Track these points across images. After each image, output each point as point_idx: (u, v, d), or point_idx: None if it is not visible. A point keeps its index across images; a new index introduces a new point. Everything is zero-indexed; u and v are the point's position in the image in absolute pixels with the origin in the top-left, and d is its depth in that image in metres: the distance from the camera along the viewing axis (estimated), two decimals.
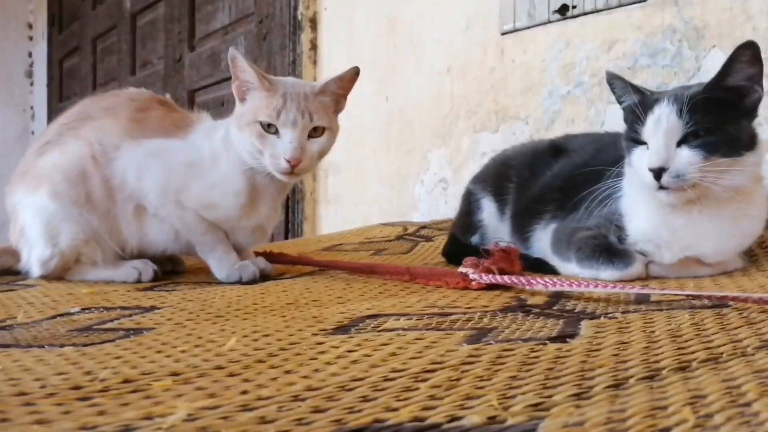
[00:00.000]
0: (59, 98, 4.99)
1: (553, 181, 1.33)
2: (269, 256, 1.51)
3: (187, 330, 0.82)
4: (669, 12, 1.66)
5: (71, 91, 4.79)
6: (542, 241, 1.29)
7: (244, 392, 0.53)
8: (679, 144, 1.06)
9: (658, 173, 1.05)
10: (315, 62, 2.78)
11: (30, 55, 5.54)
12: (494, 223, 1.42)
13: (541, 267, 1.25)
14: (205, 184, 1.34)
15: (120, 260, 1.39)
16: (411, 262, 1.60)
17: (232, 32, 3.21)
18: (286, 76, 2.80)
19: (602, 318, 0.79)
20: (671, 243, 1.12)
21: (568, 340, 0.68)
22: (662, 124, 1.06)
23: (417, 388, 0.53)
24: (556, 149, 1.42)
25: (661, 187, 1.06)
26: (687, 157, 1.04)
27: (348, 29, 2.64)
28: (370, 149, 2.53)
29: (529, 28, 1.97)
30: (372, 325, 0.80)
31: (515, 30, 2.01)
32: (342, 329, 0.79)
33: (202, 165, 1.35)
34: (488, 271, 1.06)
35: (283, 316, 0.89)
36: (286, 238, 2.76)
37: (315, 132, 1.30)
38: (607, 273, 1.13)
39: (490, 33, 2.09)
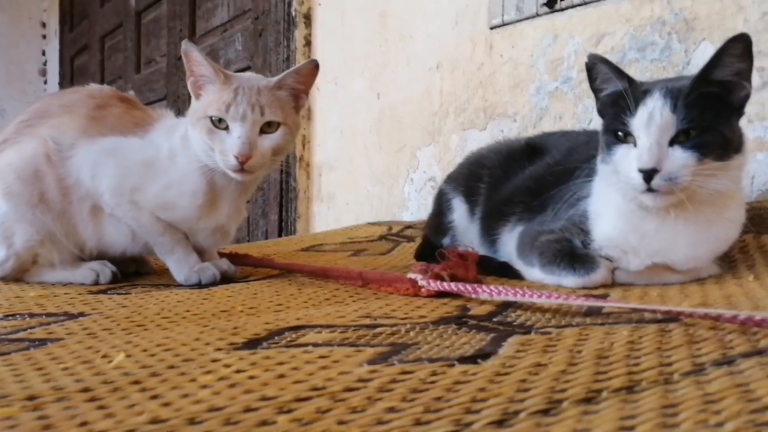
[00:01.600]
0: None
1: (522, 182, 1.26)
2: (233, 258, 1.47)
3: (95, 341, 0.77)
4: (658, 3, 1.57)
5: None
6: (508, 244, 1.22)
7: (83, 424, 0.48)
8: (670, 143, 0.97)
9: (649, 174, 0.96)
10: (309, 58, 2.72)
11: (43, 53, 5.57)
12: (464, 224, 1.36)
13: (506, 272, 1.19)
14: (161, 183, 1.29)
15: (79, 262, 1.35)
16: (389, 263, 1.54)
17: (230, 29, 3.17)
18: (281, 72, 2.76)
19: (533, 333, 0.72)
20: (638, 249, 1.05)
21: (479, 361, 0.62)
22: (655, 120, 0.97)
23: (274, 422, 0.47)
24: (531, 148, 1.35)
25: (650, 189, 0.97)
26: (681, 159, 0.96)
27: (341, 25, 2.58)
28: (362, 147, 2.48)
29: (517, 21, 1.90)
30: (287, 340, 0.75)
31: (504, 24, 1.94)
32: (252, 343, 0.73)
33: (159, 164, 1.30)
34: (438, 277, 0.99)
35: (206, 326, 0.83)
36: (280, 236, 2.71)
37: (269, 128, 1.25)
38: (569, 279, 1.06)
39: (480, 27, 2.02)
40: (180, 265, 1.32)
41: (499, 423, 0.46)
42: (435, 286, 0.97)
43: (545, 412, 0.49)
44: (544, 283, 1.10)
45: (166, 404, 0.52)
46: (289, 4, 2.72)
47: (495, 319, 0.83)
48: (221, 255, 1.47)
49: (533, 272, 1.13)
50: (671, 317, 0.76)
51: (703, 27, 1.49)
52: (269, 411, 0.50)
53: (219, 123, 1.22)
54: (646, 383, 0.54)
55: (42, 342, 0.78)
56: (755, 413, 0.44)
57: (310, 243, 1.90)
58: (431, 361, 0.63)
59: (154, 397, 0.55)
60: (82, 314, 0.96)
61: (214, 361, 0.66)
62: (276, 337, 0.76)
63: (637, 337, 0.69)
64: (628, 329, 0.72)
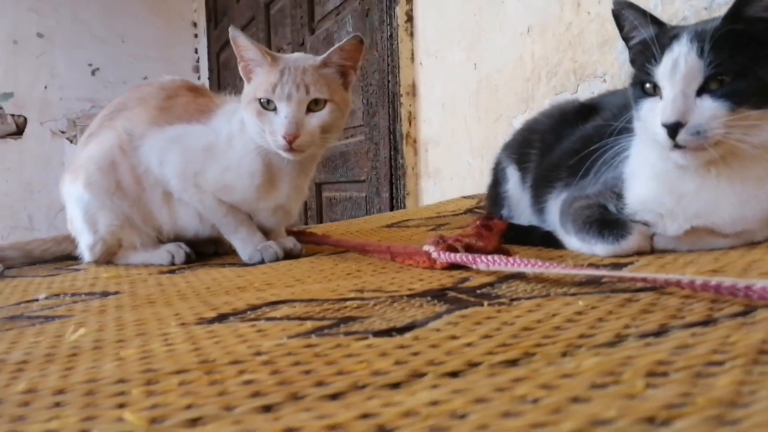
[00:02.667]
0: (218, 89, 5.36)
1: (570, 145, 1.18)
2: (301, 236, 1.51)
3: (99, 318, 0.84)
4: None
5: (226, 82, 5.12)
6: (553, 212, 1.15)
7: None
8: (699, 92, 0.87)
9: (673, 129, 0.87)
10: (412, 34, 2.71)
11: (196, 51, 5.99)
12: (518, 193, 1.30)
13: (551, 242, 1.12)
14: (221, 166, 1.36)
15: (159, 244, 1.46)
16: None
17: (342, 12, 3.23)
18: (385, 51, 2.78)
19: (485, 305, 0.69)
20: (676, 212, 0.95)
21: (393, 334, 0.60)
22: (680, 67, 0.87)
23: (127, 393, 0.50)
24: (587, 109, 1.26)
25: (677, 146, 0.88)
26: (710, 109, 0.86)
27: None
28: (462, 120, 2.44)
29: None
30: (256, 314, 0.77)
31: None
32: (221, 318, 0.76)
33: (218, 148, 1.37)
34: (451, 248, 0.97)
35: (203, 302, 0.88)
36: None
37: (316, 105, 1.27)
38: (599, 247, 0.98)
39: None
40: (245, 244, 1.39)
41: (333, 396, 0.45)
42: (444, 257, 0.95)
43: (395, 385, 0.47)
44: (582, 252, 1.03)
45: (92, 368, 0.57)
46: None
47: (480, 291, 0.80)
48: (289, 233, 1.53)
49: (571, 241, 1.06)
50: (659, 286, 0.69)
51: None
52: (160, 376, 0.52)
53: (267, 104, 1.26)
54: (539, 356, 0.50)
55: (51, 319, 0.86)
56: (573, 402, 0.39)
57: (397, 219, 1.91)
58: (350, 334, 0.62)
59: (69, 369, 0.59)
60: (117, 293, 1.04)
61: (165, 333, 0.69)
62: (249, 312, 0.79)
63: (589, 308, 0.63)
64: (594, 299, 0.67)
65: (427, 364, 0.50)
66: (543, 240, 1.14)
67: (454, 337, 0.57)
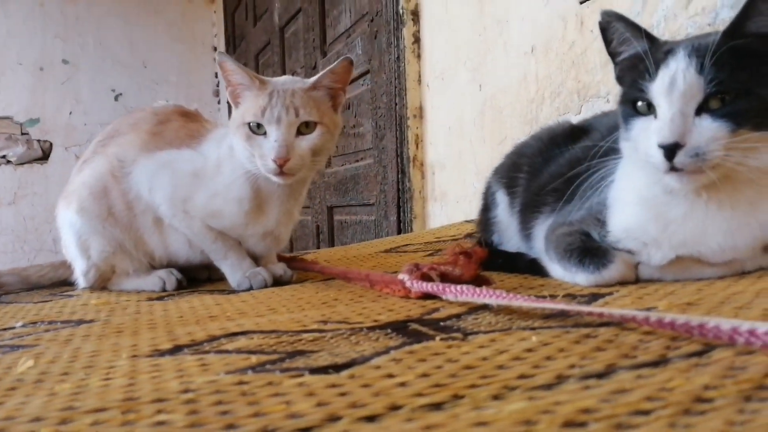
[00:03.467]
0: None
1: (559, 169, 1.14)
2: (291, 262, 1.49)
3: (59, 349, 0.82)
4: None
5: None
6: (539, 238, 1.11)
7: None
8: (698, 111, 0.82)
9: (671, 151, 0.81)
10: (419, 56, 2.70)
11: (216, 75, 6.06)
12: (506, 219, 1.26)
13: (537, 270, 1.09)
14: (209, 192, 1.35)
15: (152, 270, 1.45)
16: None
17: (353, 34, 3.24)
18: (392, 73, 2.77)
19: (437, 340, 0.66)
20: (660, 240, 0.90)
21: (330, 371, 0.57)
22: (678, 84, 0.81)
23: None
24: (578, 131, 1.22)
25: (673, 169, 0.82)
26: (710, 130, 0.80)
27: (445, 18, 2.53)
28: (467, 142, 2.41)
29: None
30: (211, 346, 0.75)
31: None
32: (176, 349, 0.74)
33: (207, 173, 1.36)
34: (425, 277, 0.93)
35: (168, 332, 0.86)
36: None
37: (306, 128, 1.25)
38: (580, 276, 0.95)
39: (570, 3, 1.88)
40: (234, 270, 1.37)
41: None
42: (417, 286, 0.92)
43: (305, 430, 0.44)
44: (565, 280, 1.00)
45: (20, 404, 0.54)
46: (397, 2, 2.72)
47: (444, 323, 0.76)
48: (281, 259, 1.51)
49: (555, 269, 1.02)
50: (620, 321, 0.65)
51: None
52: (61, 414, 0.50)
53: (257, 129, 1.24)
54: (468, 399, 0.47)
55: (15, 348, 0.84)
56: None
57: (397, 244, 1.89)
58: (288, 371, 0.59)
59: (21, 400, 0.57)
60: (92, 321, 1.02)
61: (111, 367, 0.67)
62: (205, 344, 0.76)
63: (541, 345, 0.59)
64: (550, 335, 0.63)
65: (348, 406, 0.47)
66: (529, 267, 1.11)
67: (390, 376, 0.54)
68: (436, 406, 0.46)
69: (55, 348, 0.82)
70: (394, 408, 0.46)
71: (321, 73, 1.30)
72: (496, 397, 0.46)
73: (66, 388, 0.60)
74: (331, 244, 3.44)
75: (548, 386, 0.48)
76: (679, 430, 0.36)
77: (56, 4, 5.48)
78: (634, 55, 0.90)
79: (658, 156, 0.83)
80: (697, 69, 0.81)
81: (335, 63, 1.30)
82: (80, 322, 1.04)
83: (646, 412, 0.39)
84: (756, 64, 0.82)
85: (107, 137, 1.49)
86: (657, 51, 0.87)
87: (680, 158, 0.81)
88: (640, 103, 0.88)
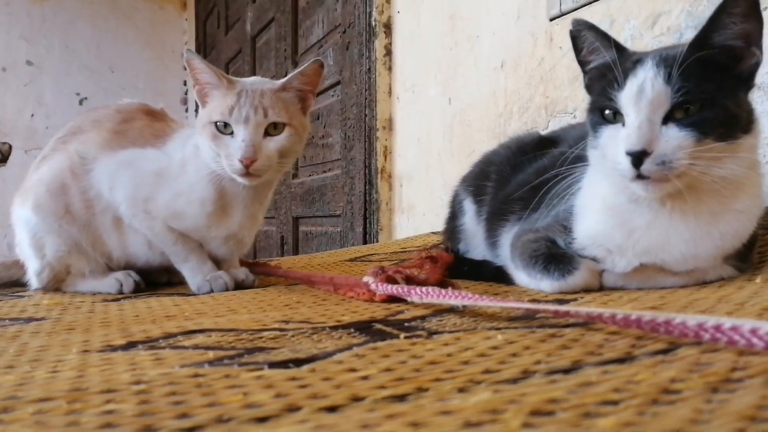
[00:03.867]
0: None
1: (526, 178, 1.14)
2: (253, 266, 1.47)
3: (5, 344, 0.78)
4: None
5: None
6: (505, 246, 1.11)
7: None
8: (665, 120, 0.82)
9: (638, 158, 0.82)
10: (390, 68, 2.71)
11: (185, 83, 6.00)
12: (473, 227, 1.26)
13: (502, 277, 1.08)
14: (171, 192, 1.31)
15: (109, 272, 1.41)
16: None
17: (324, 45, 3.23)
18: (363, 84, 2.76)
19: (401, 338, 0.64)
20: (625, 248, 0.90)
21: (290, 365, 0.56)
22: (646, 93, 0.82)
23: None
24: (547, 142, 1.23)
25: (639, 176, 0.83)
26: (676, 139, 0.81)
27: (417, 32, 2.54)
28: (436, 155, 2.41)
29: (575, 9, 1.76)
30: (167, 342, 0.72)
31: (562, 14, 1.80)
32: (129, 345, 0.71)
33: (170, 173, 1.32)
34: (390, 280, 0.92)
35: (122, 330, 0.83)
36: None
37: (274, 129, 1.23)
38: (545, 283, 0.94)
39: (540, 20, 1.90)
40: (194, 273, 1.34)
41: (190, 429, 0.40)
42: (381, 289, 0.90)
43: (262, 419, 0.42)
44: (529, 287, 0.99)
45: None
46: (370, 14, 2.72)
47: (408, 324, 0.75)
48: (243, 264, 1.48)
49: (520, 276, 1.02)
50: (586, 321, 0.64)
51: None
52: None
53: (224, 128, 1.22)
54: (432, 391, 0.45)
55: None
56: None
57: (362, 253, 1.87)
58: (246, 365, 0.57)
59: None
60: (43, 319, 0.98)
61: (59, 360, 0.64)
62: (161, 340, 0.74)
63: (506, 343, 0.58)
64: (515, 334, 0.62)
65: (308, 397, 0.45)
66: (495, 275, 1.10)
67: (352, 370, 0.53)
68: (400, 398, 0.44)
69: (1, 343, 0.79)
70: (356, 399, 0.44)
71: (291, 74, 1.29)
72: (461, 390, 0.45)
73: (9, 380, 0.57)
74: (296, 254, 3.41)
75: (514, 380, 0.47)
76: (648, 418, 0.35)
77: (22, 5, 5.37)
78: (603, 64, 0.91)
79: (626, 163, 0.83)
80: (665, 78, 0.82)
81: (305, 65, 1.28)
82: (30, 319, 1.00)
83: (614, 402, 0.38)
84: (720, 75, 0.83)
85: (68, 134, 1.45)
86: (626, 61, 0.88)
87: (647, 166, 0.82)
88: (608, 112, 0.88)
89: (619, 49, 0.91)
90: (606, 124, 0.89)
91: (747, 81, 0.86)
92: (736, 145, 0.83)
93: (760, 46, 0.84)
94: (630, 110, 0.84)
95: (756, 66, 0.85)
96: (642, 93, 0.83)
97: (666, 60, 0.84)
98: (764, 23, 0.85)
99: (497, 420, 0.37)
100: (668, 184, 0.83)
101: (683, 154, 0.81)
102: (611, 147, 0.87)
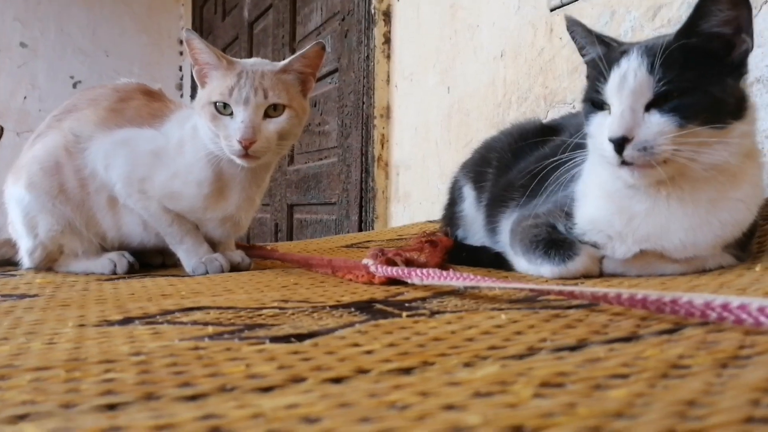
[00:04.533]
0: None
1: (527, 165, 1.14)
2: (249, 249, 1.46)
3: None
4: None
5: None
6: (505, 233, 1.10)
7: None
8: (648, 108, 0.83)
9: (620, 144, 0.83)
10: (388, 56, 2.69)
11: (180, 68, 5.96)
12: (472, 213, 1.25)
13: (501, 263, 1.08)
14: (168, 172, 1.30)
15: (102, 252, 1.39)
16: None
17: (323, 32, 3.22)
18: (361, 72, 2.75)
19: (404, 317, 0.64)
20: (625, 234, 0.90)
21: (292, 340, 0.55)
22: (628, 82, 0.84)
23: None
24: (548, 129, 1.23)
25: (624, 163, 0.84)
26: (657, 125, 0.82)
27: (416, 20, 2.53)
28: (433, 144, 2.40)
29: (574, 1, 1.75)
30: (165, 318, 0.71)
31: (562, 5, 1.79)
32: (126, 321, 0.70)
33: (167, 153, 1.31)
34: (390, 262, 0.91)
35: (118, 307, 0.82)
36: None
37: (274, 111, 1.22)
38: (545, 268, 0.94)
39: (540, 10, 1.89)
40: (189, 255, 1.32)
41: (192, 398, 0.40)
42: (381, 271, 0.90)
43: (267, 389, 0.41)
44: (529, 273, 0.99)
45: None
46: (369, 2, 2.71)
47: (409, 305, 0.74)
48: (239, 247, 1.47)
49: (519, 262, 1.01)
50: (591, 303, 0.64)
51: None
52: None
53: (224, 109, 1.21)
54: (438, 365, 0.45)
55: None
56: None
57: (358, 240, 1.86)
58: (246, 339, 0.56)
59: None
60: (36, 295, 0.97)
61: (56, 333, 0.64)
62: (158, 316, 0.73)
63: (510, 322, 0.58)
64: (519, 314, 0.62)
65: (312, 369, 0.45)
66: (493, 261, 1.10)
67: (356, 345, 0.52)
68: (406, 371, 0.44)
69: None
70: (362, 371, 0.44)
71: (292, 56, 1.27)
72: (467, 365, 0.44)
73: (5, 350, 0.56)
74: (291, 242, 3.40)
75: (520, 356, 0.46)
76: (660, 390, 0.35)
77: None
78: (595, 56, 0.92)
79: (610, 150, 0.84)
80: (648, 68, 0.83)
81: (307, 48, 1.27)
82: (23, 296, 0.99)
83: (624, 376, 0.38)
84: (706, 62, 0.83)
85: (64, 112, 1.43)
86: (613, 53, 0.90)
87: (629, 152, 0.83)
88: (597, 101, 0.89)
89: (605, 43, 0.93)
90: (596, 112, 0.90)
91: (738, 68, 0.85)
92: (726, 130, 0.83)
93: (749, 33, 0.84)
94: (614, 99, 0.86)
95: (746, 53, 0.85)
96: (624, 82, 0.85)
97: (650, 49, 0.85)
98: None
99: (507, 391, 0.36)
100: (654, 171, 0.84)
101: (664, 139, 0.81)
102: (599, 135, 0.88)
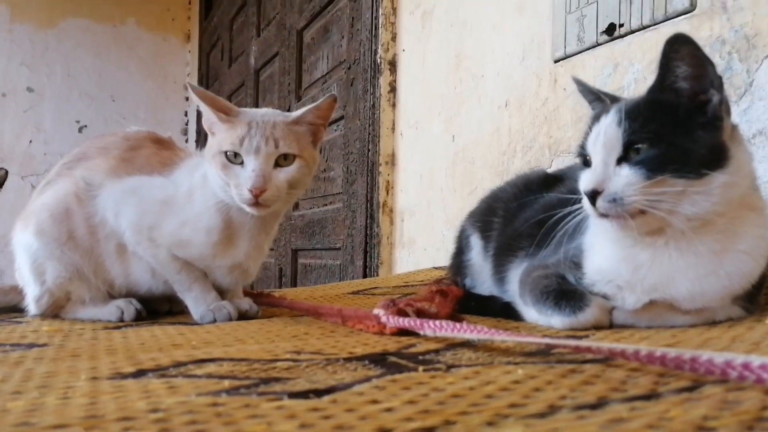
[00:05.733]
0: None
1: (534, 214, 1.14)
2: (257, 297, 1.46)
3: (10, 370, 0.77)
4: (718, 21, 1.41)
5: None
6: (513, 282, 1.11)
7: None
8: (620, 161, 0.86)
9: (592, 197, 0.86)
10: (394, 105, 2.73)
11: (186, 114, 6.04)
12: (480, 262, 1.26)
13: (510, 313, 1.08)
14: (177, 220, 1.31)
15: (110, 299, 1.39)
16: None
17: (329, 80, 3.27)
18: (367, 120, 2.79)
19: (420, 371, 0.63)
20: (633, 283, 0.91)
21: (310, 396, 0.55)
22: (600, 138, 0.88)
23: None
24: (553, 179, 1.24)
25: (603, 215, 0.87)
26: (626, 177, 0.84)
27: (422, 69, 2.57)
28: (438, 191, 2.42)
29: (579, 53, 1.78)
30: (178, 371, 0.71)
31: (566, 56, 1.83)
32: (140, 373, 0.70)
33: (177, 201, 1.32)
34: (401, 312, 0.91)
35: (129, 358, 0.82)
36: None
37: (284, 161, 1.23)
38: (556, 319, 0.94)
39: (544, 62, 1.93)
40: (197, 303, 1.32)
41: None
42: (393, 321, 0.89)
43: None
44: (539, 324, 0.99)
45: None
46: (375, 52, 2.76)
47: (423, 357, 0.74)
48: (247, 294, 1.47)
49: (529, 312, 1.01)
50: (606, 357, 0.64)
51: (766, 43, 1.32)
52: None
53: (234, 158, 1.22)
54: (460, 425, 0.45)
55: None
56: None
57: (365, 287, 1.86)
58: (264, 394, 0.56)
59: None
60: (45, 345, 0.97)
61: (69, 387, 0.63)
62: (171, 369, 0.73)
63: (528, 378, 0.58)
64: (536, 369, 0.61)
65: (334, 428, 0.45)
66: (502, 311, 1.10)
67: (375, 402, 0.52)
68: (429, 431, 0.43)
69: (3, 369, 0.77)
70: (384, 431, 0.44)
71: (305, 109, 1.29)
72: (490, 424, 0.44)
73: (19, 406, 0.56)
74: (294, 287, 3.39)
75: (542, 415, 0.46)
76: None
77: (25, 33, 5.43)
78: (590, 115, 0.95)
79: (586, 202, 0.88)
80: (617, 122, 0.86)
81: (321, 100, 1.29)
82: (32, 345, 0.98)
83: None
84: (674, 115, 0.85)
85: (74, 160, 1.45)
86: (601, 110, 0.94)
87: (599, 203, 0.86)
88: (586, 157, 0.93)
89: (601, 99, 0.98)
90: (584, 168, 0.93)
91: (713, 120, 0.86)
92: (701, 181, 0.84)
93: (716, 86, 0.86)
94: (592, 154, 0.90)
95: (716, 107, 0.86)
96: (598, 138, 0.89)
97: (623, 106, 0.88)
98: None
99: None
100: (627, 222, 0.86)
101: (632, 190, 0.84)
102: (581, 188, 0.91)
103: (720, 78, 0.86)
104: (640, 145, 0.84)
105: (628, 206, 0.84)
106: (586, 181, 0.87)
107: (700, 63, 0.84)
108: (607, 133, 0.87)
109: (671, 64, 0.85)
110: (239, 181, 1.21)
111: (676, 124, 0.84)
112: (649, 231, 0.87)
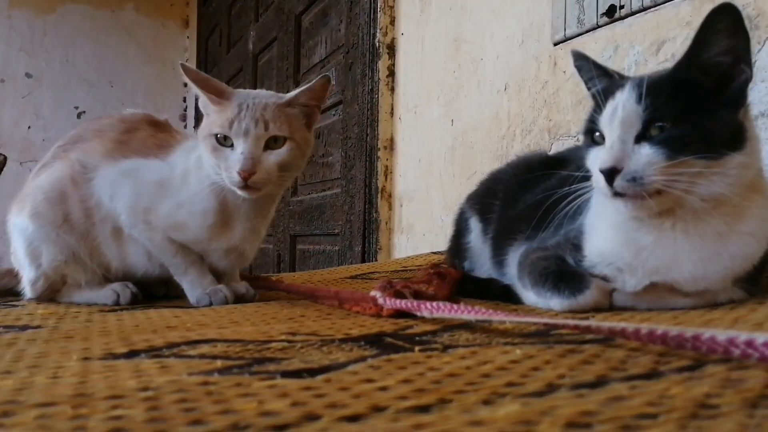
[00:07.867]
0: None
1: (534, 197, 1.13)
2: (253, 280, 1.44)
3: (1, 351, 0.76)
4: (719, 1, 1.39)
5: None
6: (513, 265, 1.09)
7: None
8: (639, 139, 0.84)
9: (610, 176, 0.83)
10: (392, 89, 2.71)
11: (184, 100, 6.01)
12: (479, 245, 1.24)
13: (509, 296, 1.06)
14: (173, 203, 1.29)
15: (106, 282, 1.38)
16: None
17: (327, 64, 3.24)
18: (365, 104, 2.77)
19: (416, 351, 0.62)
20: (634, 266, 0.89)
21: (304, 375, 0.54)
22: (618, 114, 0.84)
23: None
24: (554, 161, 1.22)
25: (617, 194, 0.84)
26: (646, 156, 0.82)
27: (420, 53, 2.55)
28: (437, 175, 2.41)
29: (579, 35, 1.76)
30: (171, 351, 0.70)
31: (566, 39, 1.81)
32: (131, 354, 0.69)
33: (172, 184, 1.30)
34: (398, 294, 0.90)
35: (123, 339, 0.80)
36: None
37: (275, 143, 1.21)
38: (555, 301, 0.93)
39: (544, 44, 1.91)
40: (193, 286, 1.31)
41: None
42: (389, 303, 0.88)
43: (281, 427, 0.40)
44: (538, 306, 0.97)
45: None
46: (374, 36, 2.73)
47: (419, 338, 0.73)
48: (243, 278, 1.45)
49: (528, 295, 1.00)
50: (607, 337, 0.63)
51: None
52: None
53: (224, 140, 1.20)
54: (456, 403, 0.44)
55: None
56: None
57: (363, 271, 1.85)
58: (257, 374, 0.55)
59: None
60: (38, 327, 0.96)
61: (60, 367, 0.62)
62: (164, 349, 0.71)
63: (526, 357, 0.57)
64: (534, 349, 0.60)
65: (327, 406, 0.44)
66: (501, 294, 1.08)
67: (369, 380, 0.51)
68: (423, 409, 0.42)
69: None
70: (378, 409, 0.43)
71: (298, 90, 1.27)
72: (486, 402, 0.43)
73: (8, 384, 0.55)
74: (293, 272, 3.38)
75: (540, 393, 0.45)
76: (690, 431, 0.33)
77: (24, 19, 5.39)
78: (597, 90, 0.92)
79: (601, 181, 0.85)
80: (636, 99, 0.84)
81: (313, 81, 1.27)
82: (25, 327, 0.97)
83: (652, 416, 0.37)
84: (697, 94, 0.83)
85: (70, 142, 1.43)
86: (612, 86, 0.90)
87: (618, 182, 0.83)
88: (595, 134, 0.90)
89: (608, 76, 0.94)
90: (593, 145, 0.91)
91: (737, 99, 0.85)
92: (720, 162, 0.82)
93: (748, 63, 0.84)
94: (606, 131, 0.87)
95: (746, 83, 0.85)
96: (615, 114, 0.85)
97: (642, 82, 0.85)
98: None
99: (533, 431, 0.35)
100: (645, 202, 0.83)
101: (653, 170, 0.81)
102: (594, 167, 0.88)
103: (750, 53, 0.84)
104: (662, 123, 0.82)
105: (647, 186, 0.81)
106: (603, 158, 0.84)
107: (740, 35, 0.82)
108: (626, 109, 0.84)
109: (711, 37, 0.82)
110: (228, 164, 1.19)
111: (700, 103, 0.82)
112: (661, 211, 0.85)
